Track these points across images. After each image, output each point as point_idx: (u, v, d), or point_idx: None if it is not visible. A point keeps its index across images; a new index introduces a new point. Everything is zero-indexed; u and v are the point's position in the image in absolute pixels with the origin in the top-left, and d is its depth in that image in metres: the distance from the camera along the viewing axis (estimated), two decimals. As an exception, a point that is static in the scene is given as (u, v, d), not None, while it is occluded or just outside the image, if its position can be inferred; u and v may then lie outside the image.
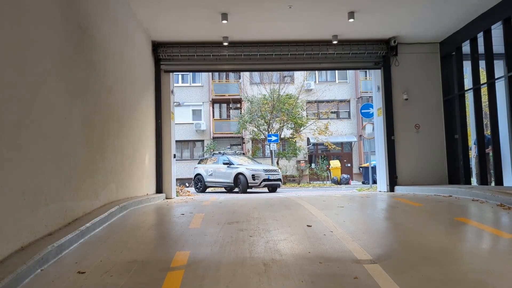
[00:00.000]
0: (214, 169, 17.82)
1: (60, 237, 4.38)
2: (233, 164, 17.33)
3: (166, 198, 10.83)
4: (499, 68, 10.30)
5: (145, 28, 10.12)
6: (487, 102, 9.90)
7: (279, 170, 18.28)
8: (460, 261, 3.90)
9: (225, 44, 11.04)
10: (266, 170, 16.83)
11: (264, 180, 16.49)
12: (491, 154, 10.14)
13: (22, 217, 4.05)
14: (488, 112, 10.03)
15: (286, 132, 26.16)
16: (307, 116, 27.50)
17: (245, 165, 17.09)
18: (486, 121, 13.23)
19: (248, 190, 16.61)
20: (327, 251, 4.26)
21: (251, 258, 4.05)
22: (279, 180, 17.07)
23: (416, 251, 4.20)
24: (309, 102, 28.56)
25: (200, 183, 18.33)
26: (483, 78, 10.51)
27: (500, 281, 3.28)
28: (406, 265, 3.74)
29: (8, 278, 3.17)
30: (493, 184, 9.94)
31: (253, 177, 16.34)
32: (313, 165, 28.27)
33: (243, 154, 20.89)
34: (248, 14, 9.46)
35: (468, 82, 11.15)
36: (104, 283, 3.41)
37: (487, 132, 11.17)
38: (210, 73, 28.61)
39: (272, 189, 17.64)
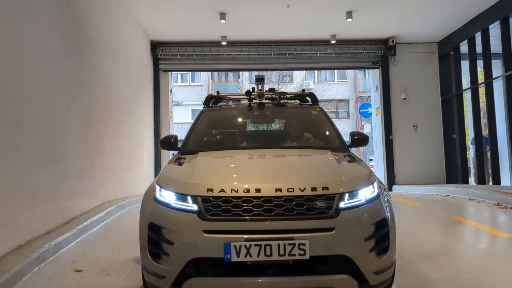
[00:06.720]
0: None
1: (57, 236, 4.39)
2: None
3: (165, 198, 10.81)
4: (497, 68, 10.32)
5: (143, 27, 10.12)
6: (485, 102, 9.92)
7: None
8: (456, 260, 3.90)
9: (224, 43, 11.04)
10: None
11: None
12: (488, 153, 10.16)
13: (20, 216, 4.06)
14: (486, 112, 10.04)
15: (285, 132, 26.16)
16: (306, 115, 27.51)
17: None
18: (484, 120, 13.25)
19: None
20: (324, 250, 4.27)
21: (248, 257, 4.06)
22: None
23: (412, 250, 4.21)
24: (308, 101, 28.58)
25: None
26: (481, 77, 10.53)
27: (495, 280, 3.29)
28: (402, 264, 3.75)
29: (5, 276, 3.19)
30: (490, 183, 9.96)
31: None
32: (312, 165, 28.26)
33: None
34: (247, 14, 9.47)
35: (466, 82, 11.17)
36: (101, 282, 3.42)
37: (485, 131, 11.20)
38: (210, 73, 28.61)
39: None
